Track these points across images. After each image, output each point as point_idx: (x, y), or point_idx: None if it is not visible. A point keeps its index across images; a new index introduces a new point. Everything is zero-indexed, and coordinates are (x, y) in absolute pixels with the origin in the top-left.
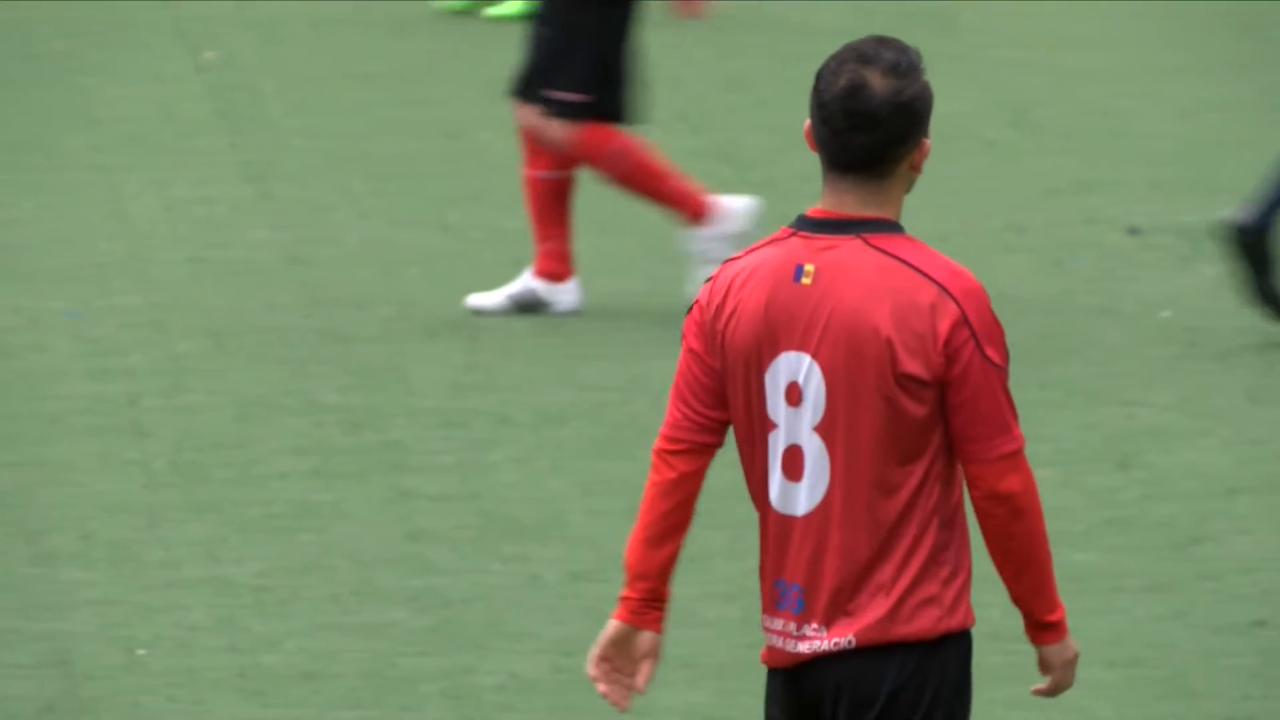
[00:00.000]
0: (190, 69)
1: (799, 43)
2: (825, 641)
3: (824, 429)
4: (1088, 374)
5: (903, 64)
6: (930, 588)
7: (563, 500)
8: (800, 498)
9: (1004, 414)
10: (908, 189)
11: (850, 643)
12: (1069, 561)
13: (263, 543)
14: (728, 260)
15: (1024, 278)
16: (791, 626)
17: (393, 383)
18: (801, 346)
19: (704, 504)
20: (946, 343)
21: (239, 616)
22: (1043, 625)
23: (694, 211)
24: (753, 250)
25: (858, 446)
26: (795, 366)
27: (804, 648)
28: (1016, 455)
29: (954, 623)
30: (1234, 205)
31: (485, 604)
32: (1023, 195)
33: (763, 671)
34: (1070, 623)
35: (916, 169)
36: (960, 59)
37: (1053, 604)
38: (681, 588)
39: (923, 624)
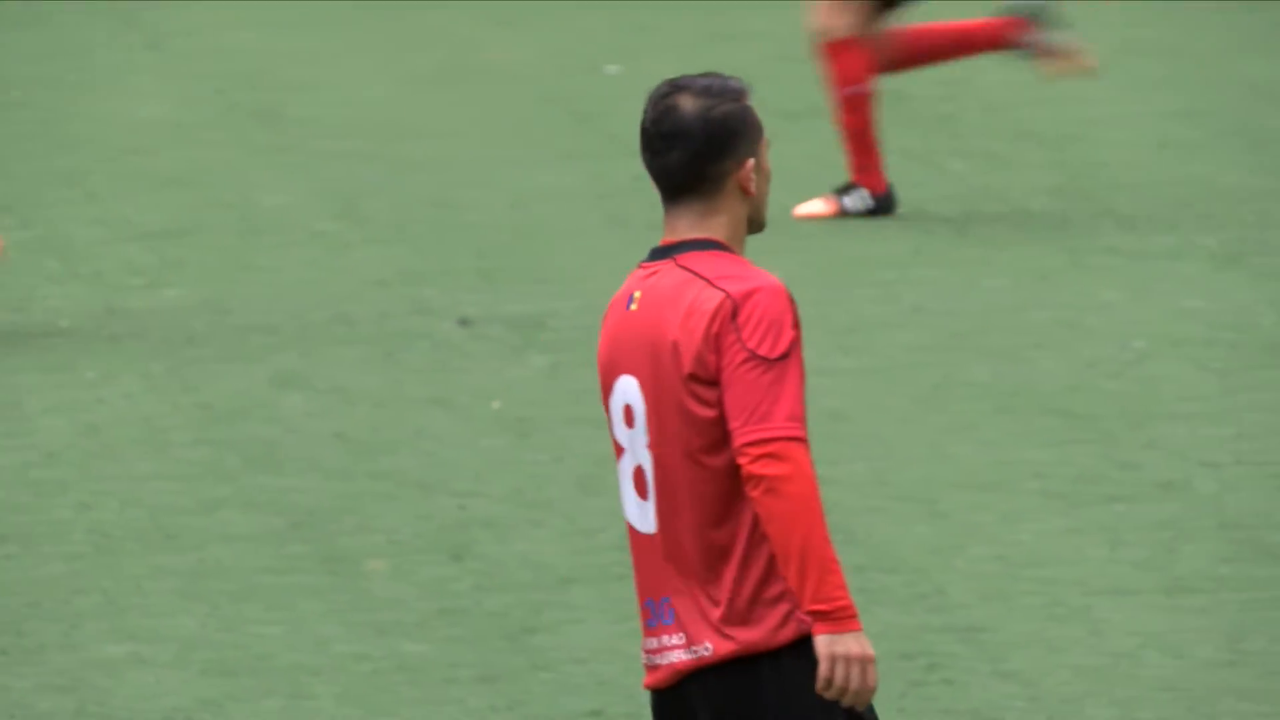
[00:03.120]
0: None
1: (132, 136)
2: (685, 651)
3: (653, 446)
4: (420, 465)
5: (715, 86)
6: (770, 595)
7: None
8: (650, 515)
9: (764, 403)
10: (751, 218)
11: (708, 649)
12: (402, 652)
13: None
14: None
15: (354, 369)
16: (670, 639)
17: None
18: (629, 370)
19: (34, 594)
20: (716, 337)
21: None
22: (810, 613)
23: None
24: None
25: (676, 459)
26: (627, 389)
27: (676, 657)
28: (772, 443)
29: (794, 632)
30: (563, 295)
31: None
32: (351, 287)
33: None
34: (402, 714)
35: (749, 192)
36: (286, 151)
37: (821, 594)
38: (14, 679)
39: (761, 634)
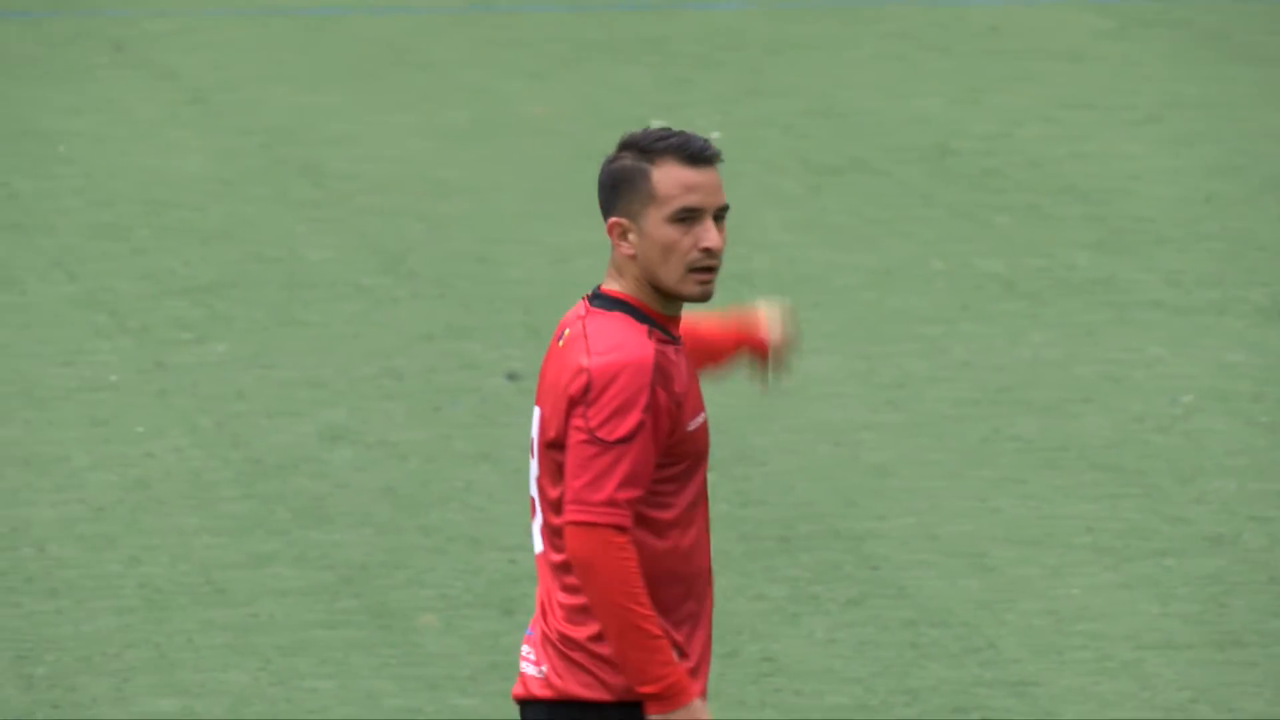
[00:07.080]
0: None
1: (176, 191)
2: (532, 667)
3: (536, 481)
4: (469, 519)
5: (634, 139)
6: (605, 651)
7: None
8: (534, 539)
9: (591, 484)
10: (653, 284)
11: (542, 671)
12: (454, 706)
13: None
14: None
15: (402, 423)
16: (527, 650)
17: None
18: (540, 405)
19: (85, 649)
20: (566, 409)
21: None
22: (640, 695)
23: None
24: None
25: (544, 500)
26: (535, 422)
27: (525, 667)
28: (582, 526)
29: (621, 693)
30: None
31: None
32: (398, 341)
33: None
34: None
35: (616, 248)
36: (329, 205)
37: (648, 675)
38: None
39: (583, 686)
